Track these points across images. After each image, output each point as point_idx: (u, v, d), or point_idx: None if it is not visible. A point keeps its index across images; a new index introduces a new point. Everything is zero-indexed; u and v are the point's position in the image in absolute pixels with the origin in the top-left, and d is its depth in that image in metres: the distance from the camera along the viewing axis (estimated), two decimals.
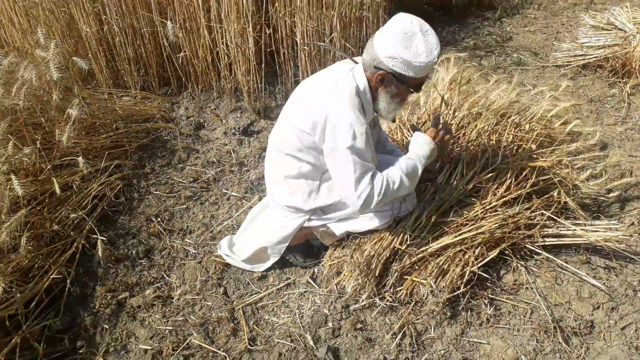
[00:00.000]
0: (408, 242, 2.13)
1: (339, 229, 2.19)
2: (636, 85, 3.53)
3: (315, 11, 3.25)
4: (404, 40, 1.69)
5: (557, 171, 2.43)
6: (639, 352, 1.91)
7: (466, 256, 2.13)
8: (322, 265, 2.31)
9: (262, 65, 3.52)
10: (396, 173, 1.93)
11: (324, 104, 1.86)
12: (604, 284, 2.16)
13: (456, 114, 2.73)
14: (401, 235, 2.16)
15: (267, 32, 3.46)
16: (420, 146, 2.03)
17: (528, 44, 4.39)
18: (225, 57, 3.43)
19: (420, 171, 2.01)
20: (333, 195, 2.12)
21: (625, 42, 3.65)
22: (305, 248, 2.36)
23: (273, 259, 2.30)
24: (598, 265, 2.25)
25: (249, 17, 3.24)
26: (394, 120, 2.32)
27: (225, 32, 3.32)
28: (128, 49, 3.57)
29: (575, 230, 2.25)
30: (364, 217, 2.16)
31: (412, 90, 1.85)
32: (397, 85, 1.83)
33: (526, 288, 2.16)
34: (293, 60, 3.57)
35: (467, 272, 2.09)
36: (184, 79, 3.68)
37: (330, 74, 1.97)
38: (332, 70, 2.00)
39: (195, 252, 2.48)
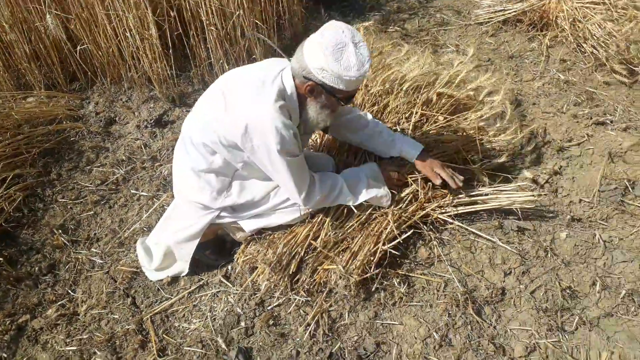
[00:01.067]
0: (323, 237, 2.05)
1: (250, 225, 2.09)
2: (554, 37, 3.50)
3: None
4: (335, 52, 1.62)
5: (471, 135, 2.38)
6: (547, 314, 1.90)
7: (379, 237, 2.07)
8: (236, 261, 2.21)
9: (170, 51, 3.32)
10: (338, 183, 2.00)
11: (248, 104, 1.75)
12: (516, 247, 2.14)
13: (370, 89, 2.62)
14: (316, 229, 2.07)
15: (172, 14, 3.26)
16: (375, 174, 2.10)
17: (451, 2, 4.29)
18: (129, 46, 3.22)
19: (363, 190, 2.04)
20: (245, 194, 2.02)
21: None
22: (216, 244, 2.25)
23: (183, 262, 2.18)
24: (511, 229, 2.23)
25: (147, 2, 3.02)
26: (325, 130, 2.26)
27: (125, 20, 3.10)
28: (25, 46, 3.31)
29: (487, 195, 2.22)
30: (276, 213, 2.07)
31: (342, 102, 1.79)
32: (326, 96, 1.77)
33: (439, 261, 2.13)
34: (203, 42, 3.37)
35: (378, 252, 2.03)
36: (90, 73, 3.45)
37: (259, 72, 1.83)
38: (262, 68, 1.86)
39: (101, 262, 2.34)
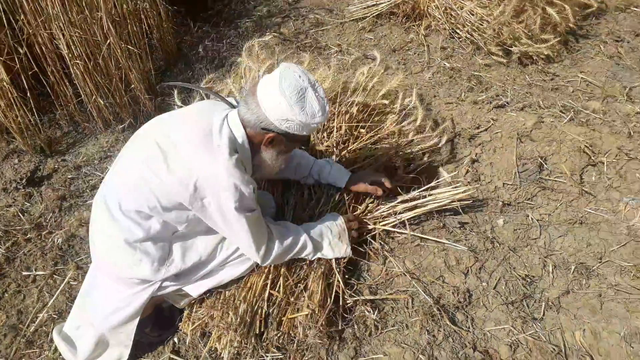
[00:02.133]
0: (282, 282, 1.85)
1: (197, 290, 1.82)
2: (428, 25, 3.62)
3: (77, 16, 2.62)
4: (298, 101, 1.50)
5: (394, 142, 2.34)
6: (515, 306, 1.95)
7: (330, 268, 1.95)
8: (182, 331, 1.92)
9: (28, 94, 2.80)
10: (300, 239, 1.84)
11: (198, 161, 1.51)
12: (464, 244, 2.17)
13: None
14: (272, 275, 1.87)
15: (22, 50, 2.74)
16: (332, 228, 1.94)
17: (319, 1, 4.24)
18: None
19: (325, 246, 1.92)
20: (190, 256, 1.74)
21: None
22: (156, 316, 1.93)
23: (122, 347, 1.83)
24: (453, 227, 2.25)
25: None
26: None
27: None
28: None
29: (425, 197, 2.20)
30: (225, 268, 1.83)
31: (302, 146, 1.71)
32: (287, 144, 1.65)
33: (397, 275, 2.06)
34: (66, 77, 2.90)
35: (335, 284, 1.91)
36: None
37: (199, 120, 1.59)
38: (200, 115, 1.62)
39: None
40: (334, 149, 2.28)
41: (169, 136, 1.55)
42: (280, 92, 1.48)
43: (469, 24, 3.35)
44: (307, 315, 1.81)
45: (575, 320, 1.89)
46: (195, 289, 1.80)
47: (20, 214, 2.51)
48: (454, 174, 2.43)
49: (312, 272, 1.92)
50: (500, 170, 2.48)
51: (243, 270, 1.84)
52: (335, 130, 2.33)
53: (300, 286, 1.90)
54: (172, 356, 1.88)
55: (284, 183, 2.21)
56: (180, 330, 1.93)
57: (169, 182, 1.51)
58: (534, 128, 2.58)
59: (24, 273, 2.23)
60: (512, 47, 3.22)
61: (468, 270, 2.08)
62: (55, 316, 2.06)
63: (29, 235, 2.41)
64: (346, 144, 2.34)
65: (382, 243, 2.16)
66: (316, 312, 1.82)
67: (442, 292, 2.01)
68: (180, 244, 1.71)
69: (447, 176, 2.35)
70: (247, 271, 1.86)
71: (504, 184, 2.43)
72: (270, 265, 1.88)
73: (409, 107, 2.59)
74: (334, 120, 2.37)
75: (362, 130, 2.37)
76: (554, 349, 1.80)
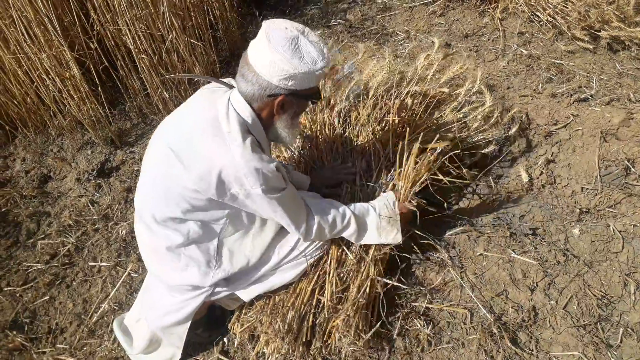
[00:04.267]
0: (329, 288, 1.79)
1: (249, 294, 1.80)
2: (505, 8, 3.34)
3: (142, 12, 2.67)
4: (294, 53, 1.39)
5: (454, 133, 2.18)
6: (587, 330, 1.76)
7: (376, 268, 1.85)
8: (231, 332, 1.92)
9: (99, 87, 2.91)
10: (345, 216, 1.73)
11: (213, 153, 1.45)
12: (533, 256, 1.98)
13: (334, 105, 2.35)
14: (320, 280, 1.81)
15: (93, 46, 2.84)
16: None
17: None
18: (49, 89, 2.78)
19: (373, 230, 1.78)
20: (237, 259, 1.71)
21: None
22: (208, 318, 1.95)
23: (174, 348, 1.86)
24: (523, 234, 2.07)
25: (61, 39, 2.59)
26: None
27: (37, 62, 2.66)
28: None
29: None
30: (277, 273, 1.80)
31: (314, 100, 1.56)
32: (298, 103, 1.53)
33: (456, 286, 1.93)
34: (134, 71, 2.97)
35: (379, 288, 1.81)
36: (7, 126, 2.98)
37: (202, 110, 1.52)
38: (201, 105, 1.55)
39: (73, 359, 1.99)
40: (389, 141, 2.14)
41: (178, 136, 1.50)
42: (273, 50, 1.36)
43: (551, 6, 3.05)
44: (344, 321, 1.73)
45: None
46: (246, 294, 1.78)
47: (90, 205, 2.63)
48: (521, 174, 2.22)
49: (359, 274, 1.82)
50: (579, 172, 2.24)
51: (294, 275, 1.79)
52: (390, 123, 2.19)
53: (346, 293, 1.81)
54: (220, 357, 1.89)
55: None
56: (229, 331, 1.93)
57: (192, 181, 1.47)
58: (622, 125, 2.30)
59: (90, 263, 2.34)
60: (600, 31, 2.89)
61: (536, 286, 1.90)
62: (115, 307, 2.14)
63: (97, 226, 2.52)
64: (401, 136, 2.20)
65: (442, 248, 2.03)
66: (352, 317, 1.73)
67: (504, 308, 1.86)
68: (227, 247, 1.69)
69: (514, 176, 2.16)
70: (298, 276, 1.81)
71: (582, 188, 2.19)
72: (319, 271, 1.82)
73: (473, 93, 2.38)
74: (388, 112, 2.23)
75: (418, 121, 2.21)
76: None
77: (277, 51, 1.37)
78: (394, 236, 1.79)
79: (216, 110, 1.48)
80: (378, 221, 1.76)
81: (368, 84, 2.37)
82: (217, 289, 1.72)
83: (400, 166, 1.92)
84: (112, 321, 2.03)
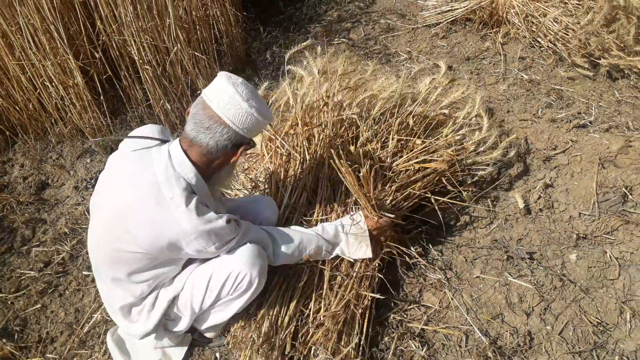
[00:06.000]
0: (314, 298, 1.78)
1: (215, 319, 1.75)
2: (506, 33, 3.39)
3: (148, 23, 2.69)
4: (261, 101, 1.44)
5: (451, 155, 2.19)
6: (583, 357, 1.75)
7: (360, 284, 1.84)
8: (227, 344, 1.90)
9: (101, 97, 2.92)
10: (307, 238, 1.74)
11: (158, 224, 1.42)
12: (530, 280, 1.98)
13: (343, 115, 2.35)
14: (306, 293, 1.81)
15: (97, 55, 2.86)
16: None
17: (392, 5, 4.10)
18: (51, 97, 2.79)
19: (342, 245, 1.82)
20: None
21: None
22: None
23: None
24: (520, 258, 2.06)
25: (66, 47, 2.61)
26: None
27: (42, 69, 2.67)
28: None
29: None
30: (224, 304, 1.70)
31: (252, 144, 1.53)
32: (243, 149, 1.52)
33: (451, 308, 1.92)
34: (138, 82, 2.99)
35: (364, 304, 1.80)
36: (7, 132, 2.98)
37: (139, 175, 1.44)
38: (138, 171, 1.45)
39: None
40: (387, 160, 2.15)
41: (119, 207, 1.45)
42: (244, 101, 1.37)
43: (552, 33, 3.09)
44: (324, 335, 1.71)
45: None
46: (214, 319, 1.75)
47: (86, 213, 2.61)
48: (518, 199, 2.23)
49: (346, 290, 1.81)
50: (577, 198, 2.25)
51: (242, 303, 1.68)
52: (390, 141, 2.20)
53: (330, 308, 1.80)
54: None
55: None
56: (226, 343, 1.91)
57: (143, 249, 1.46)
58: (620, 152, 2.31)
59: (85, 272, 2.32)
60: (600, 59, 2.93)
61: (532, 310, 1.90)
62: (108, 318, 2.12)
63: None
64: (398, 156, 2.21)
65: (439, 269, 2.03)
66: (332, 332, 1.72)
67: (500, 332, 1.85)
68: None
69: (520, 202, 2.17)
70: (249, 300, 1.69)
71: (580, 214, 2.20)
72: (301, 282, 1.81)
73: (472, 117, 2.41)
74: (388, 131, 2.25)
75: (417, 141, 2.22)
76: None
77: (249, 100, 1.38)
78: (364, 252, 1.81)
79: (154, 174, 1.42)
80: (346, 238, 1.79)
81: (372, 101, 2.39)
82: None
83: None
84: (105, 332, 2.01)
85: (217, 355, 1.92)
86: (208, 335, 1.88)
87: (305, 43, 2.46)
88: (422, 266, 2.06)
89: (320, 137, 2.17)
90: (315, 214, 1.97)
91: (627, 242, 2.07)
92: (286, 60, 2.36)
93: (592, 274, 1.99)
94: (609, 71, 2.94)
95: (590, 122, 2.58)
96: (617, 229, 2.12)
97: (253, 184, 2.26)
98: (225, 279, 1.54)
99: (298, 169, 2.09)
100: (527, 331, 1.83)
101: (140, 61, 2.79)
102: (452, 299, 1.93)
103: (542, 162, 2.43)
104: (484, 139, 2.34)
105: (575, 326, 1.83)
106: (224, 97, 1.38)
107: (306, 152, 2.14)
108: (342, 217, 1.92)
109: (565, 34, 3.03)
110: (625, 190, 2.19)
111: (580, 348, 1.77)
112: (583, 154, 2.38)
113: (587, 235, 2.13)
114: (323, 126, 2.19)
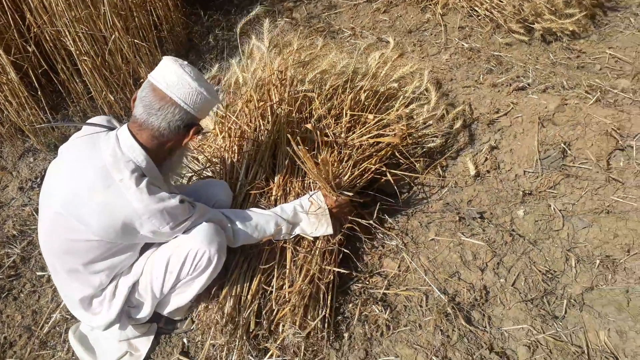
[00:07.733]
0: (276, 274, 1.80)
1: (177, 301, 1.73)
2: (445, 4, 3.46)
3: (81, 12, 2.59)
4: (208, 82, 1.45)
5: (402, 127, 2.24)
6: (534, 304, 1.85)
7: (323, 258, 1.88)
8: (193, 326, 1.90)
9: (39, 92, 2.80)
10: (265, 218, 1.75)
11: (109, 207, 1.39)
12: (482, 238, 2.07)
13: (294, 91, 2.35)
14: (268, 271, 1.82)
15: (30, 49, 2.73)
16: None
17: None
18: None
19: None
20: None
21: None
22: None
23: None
24: (471, 218, 2.15)
25: None
26: None
27: None
28: None
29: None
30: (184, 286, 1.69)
31: (201, 129, 1.53)
32: (195, 129, 1.50)
33: (410, 271, 1.99)
34: (77, 74, 2.88)
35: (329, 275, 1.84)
36: None
37: (87, 161, 1.41)
38: (86, 155, 1.42)
39: None
40: (341, 135, 2.18)
41: (67, 198, 1.41)
42: (194, 80, 1.38)
43: (488, 1, 3.18)
44: (291, 311, 1.75)
45: (599, 319, 1.78)
46: (177, 300, 1.73)
47: (35, 213, 2.52)
48: (467, 162, 2.32)
49: (308, 265, 1.84)
50: (520, 157, 2.35)
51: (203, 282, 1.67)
52: (343, 117, 2.23)
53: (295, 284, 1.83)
54: (180, 357, 1.86)
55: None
56: (193, 327, 1.91)
57: (97, 236, 1.44)
58: (557, 111, 2.43)
59: (38, 273, 2.25)
60: (534, 23, 3.05)
61: (486, 266, 1.99)
62: (68, 317, 2.07)
63: None
64: (352, 131, 2.25)
65: (395, 236, 2.09)
66: (298, 307, 1.76)
67: (457, 289, 1.93)
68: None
69: (461, 164, 2.25)
70: (210, 278, 1.67)
71: (524, 171, 2.31)
72: (262, 261, 1.82)
73: (421, 91, 2.47)
74: (340, 107, 2.27)
75: (369, 116, 2.26)
76: (576, 350, 1.71)
77: (198, 80, 1.39)
78: (325, 229, 1.84)
79: (102, 159, 1.39)
80: (306, 217, 1.82)
81: (323, 77, 2.40)
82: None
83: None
84: (66, 330, 1.97)
85: (185, 340, 1.91)
86: (175, 317, 1.86)
87: (253, 12, 2.45)
88: (380, 235, 2.12)
89: (275, 113, 2.16)
90: (274, 192, 1.98)
91: (568, 195, 2.19)
92: (238, 33, 2.35)
93: (539, 227, 2.10)
94: (543, 35, 3.07)
95: (528, 85, 2.70)
96: (559, 183, 2.23)
97: (208, 163, 2.23)
98: (184, 259, 1.53)
99: (253, 146, 2.09)
100: (483, 286, 1.92)
101: (77, 52, 2.69)
102: (410, 262, 2.00)
103: (487, 125, 2.53)
104: (433, 112, 2.41)
105: (526, 276, 1.94)
106: (173, 77, 1.38)
107: (262, 128, 2.14)
108: (301, 196, 1.94)
109: (500, 1, 3.13)
110: (564, 146, 2.31)
111: (532, 296, 1.87)
112: (524, 115, 2.49)
113: (532, 191, 2.24)
114: (280, 102, 2.19)
